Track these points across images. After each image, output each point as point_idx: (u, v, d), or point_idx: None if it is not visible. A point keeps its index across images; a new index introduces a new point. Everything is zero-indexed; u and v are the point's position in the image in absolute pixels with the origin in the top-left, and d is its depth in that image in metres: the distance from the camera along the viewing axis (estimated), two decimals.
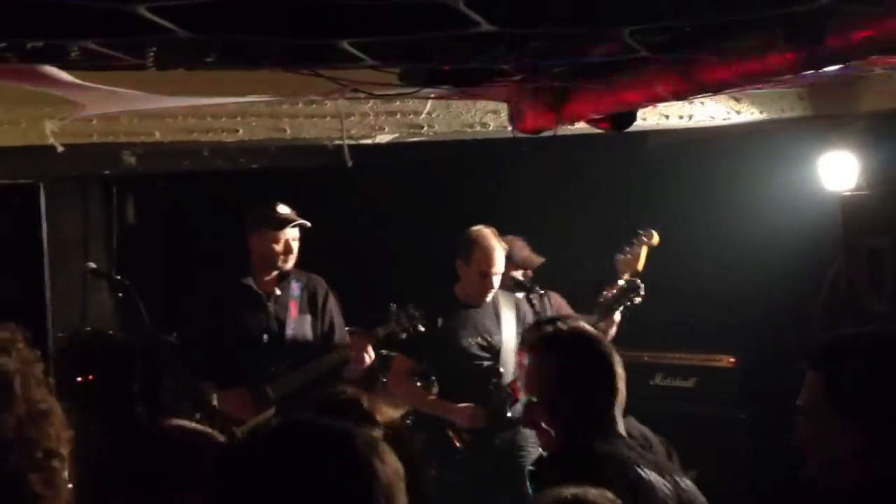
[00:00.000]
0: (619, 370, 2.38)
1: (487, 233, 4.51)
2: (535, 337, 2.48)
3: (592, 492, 1.71)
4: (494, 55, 2.45)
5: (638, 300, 4.46)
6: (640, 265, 4.56)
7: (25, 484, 1.19)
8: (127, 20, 1.73)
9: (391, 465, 1.36)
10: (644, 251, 4.58)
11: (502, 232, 4.60)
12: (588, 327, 2.57)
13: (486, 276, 4.47)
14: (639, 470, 2.25)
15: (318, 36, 1.91)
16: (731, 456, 5.06)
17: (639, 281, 4.43)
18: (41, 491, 1.20)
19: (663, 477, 2.30)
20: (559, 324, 2.48)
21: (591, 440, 2.28)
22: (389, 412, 2.36)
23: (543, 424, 2.34)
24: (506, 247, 4.51)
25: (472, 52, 2.38)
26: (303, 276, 4.58)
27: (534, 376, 2.39)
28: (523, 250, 4.82)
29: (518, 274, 4.70)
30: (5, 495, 1.17)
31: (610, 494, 1.71)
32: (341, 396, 2.34)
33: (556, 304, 4.75)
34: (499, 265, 4.47)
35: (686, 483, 2.37)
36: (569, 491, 1.71)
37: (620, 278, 4.53)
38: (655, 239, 4.59)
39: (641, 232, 4.60)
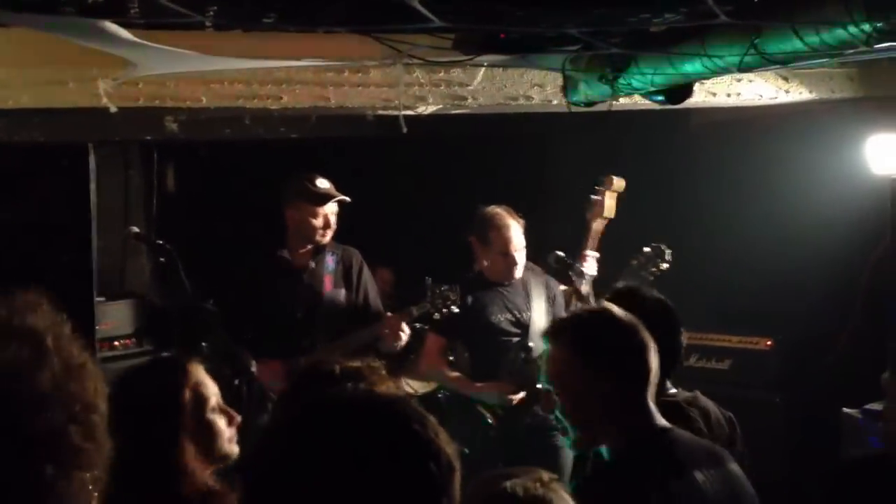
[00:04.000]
0: (651, 356, 2.18)
1: (500, 211, 4.48)
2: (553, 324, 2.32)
3: (524, 479, 1.64)
4: (558, 19, 2.41)
5: (665, 266, 4.41)
6: (611, 212, 4.50)
7: (67, 437, 1.17)
8: None
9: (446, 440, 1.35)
10: (609, 196, 4.51)
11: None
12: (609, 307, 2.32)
13: (507, 254, 4.45)
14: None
15: None
16: (766, 439, 5.01)
17: (664, 246, 4.38)
18: (82, 444, 1.18)
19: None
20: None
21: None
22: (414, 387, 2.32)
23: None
24: (521, 222, 4.49)
25: (536, 17, 2.34)
26: (338, 248, 4.56)
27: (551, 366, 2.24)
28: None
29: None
30: (47, 449, 1.16)
31: (545, 476, 1.64)
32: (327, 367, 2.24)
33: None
34: (517, 241, 4.45)
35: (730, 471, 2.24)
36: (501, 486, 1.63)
37: (593, 228, 4.51)
38: (618, 183, 4.53)
39: (602, 178, 4.55)
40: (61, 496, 1.16)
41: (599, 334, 2.20)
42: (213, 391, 2.32)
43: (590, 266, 4.53)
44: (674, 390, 2.82)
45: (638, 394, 2.17)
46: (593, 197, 4.56)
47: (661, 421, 2.20)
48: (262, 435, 1.46)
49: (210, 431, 2.26)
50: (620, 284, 4.34)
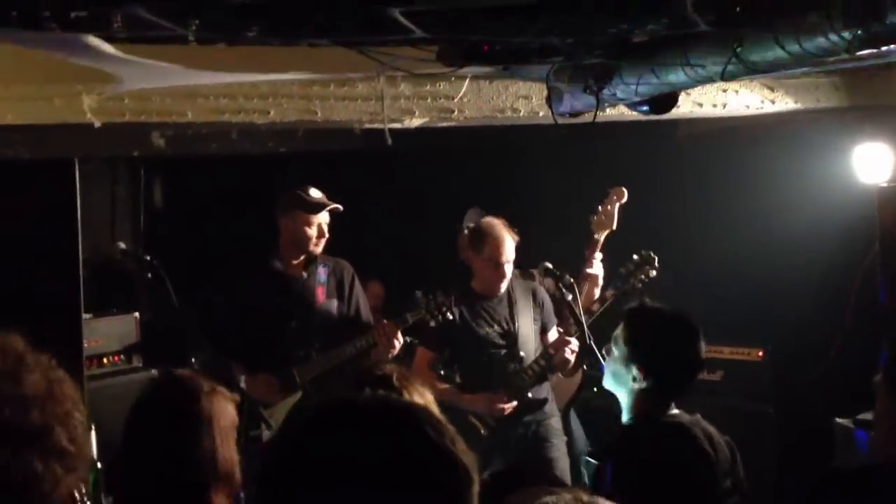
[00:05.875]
0: None
1: (497, 222, 4.53)
2: None
3: (566, 497, 1.60)
4: (539, 30, 2.41)
5: (654, 273, 4.46)
6: (614, 223, 4.63)
7: (54, 436, 1.21)
8: None
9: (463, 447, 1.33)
10: (616, 208, 4.63)
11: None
12: None
13: (499, 265, 4.48)
14: None
15: (370, 2, 1.88)
16: (758, 450, 4.99)
17: (652, 253, 4.44)
18: (67, 445, 1.22)
19: None
20: None
21: None
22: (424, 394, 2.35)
23: None
24: (515, 237, 4.52)
25: (518, 27, 2.34)
26: (329, 260, 4.57)
27: None
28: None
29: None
30: (35, 445, 1.19)
31: (585, 496, 1.60)
32: (377, 372, 2.32)
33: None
34: (509, 254, 4.49)
35: None
36: (542, 500, 1.60)
37: (596, 238, 4.63)
38: (625, 195, 4.64)
39: (610, 190, 4.65)
40: (47, 495, 1.18)
41: None
42: (231, 412, 2.42)
43: (596, 266, 4.64)
44: (676, 411, 2.82)
45: None
46: (602, 208, 4.63)
47: None
48: (275, 437, 1.44)
49: (225, 448, 2.33)
50: (609, 291, 4.43)
